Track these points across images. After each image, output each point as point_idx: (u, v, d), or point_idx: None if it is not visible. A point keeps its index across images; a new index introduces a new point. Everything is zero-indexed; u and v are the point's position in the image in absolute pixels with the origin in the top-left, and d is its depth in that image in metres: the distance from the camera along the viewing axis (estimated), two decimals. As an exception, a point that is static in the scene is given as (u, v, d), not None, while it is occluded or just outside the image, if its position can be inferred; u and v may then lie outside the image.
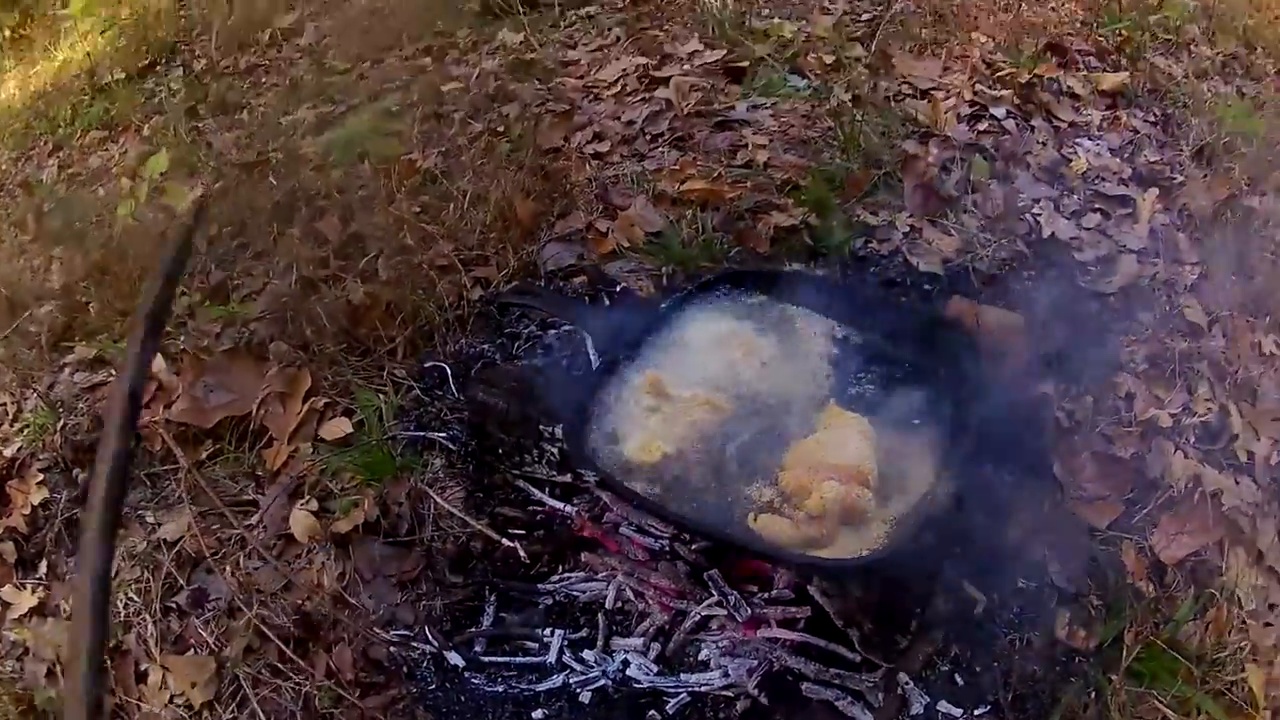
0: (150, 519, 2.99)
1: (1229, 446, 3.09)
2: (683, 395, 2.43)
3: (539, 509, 2.80)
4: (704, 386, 2.48)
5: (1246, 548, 2.90)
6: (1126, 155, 4.12)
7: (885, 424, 2.40)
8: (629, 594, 2.61)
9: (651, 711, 2.43)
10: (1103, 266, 3.56)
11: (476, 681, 2.54)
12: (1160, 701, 2.52)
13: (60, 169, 5.26)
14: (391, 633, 2.66)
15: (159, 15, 6.31)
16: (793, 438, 2.38)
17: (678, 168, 3.88)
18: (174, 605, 2.79)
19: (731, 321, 2.65)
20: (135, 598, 2.82)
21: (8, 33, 8.22)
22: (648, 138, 4.14)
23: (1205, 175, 4.00)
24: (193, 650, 2.70)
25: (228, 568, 2.82)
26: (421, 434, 3.02)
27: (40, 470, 3.16)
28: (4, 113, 6.18)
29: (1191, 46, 4.83)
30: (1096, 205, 3.82)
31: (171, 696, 2.64)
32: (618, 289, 3.38)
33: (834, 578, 2.42)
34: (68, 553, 2.98)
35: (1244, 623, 2.78)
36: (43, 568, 3.00)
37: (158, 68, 5.84)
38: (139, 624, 2.76)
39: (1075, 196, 3.85)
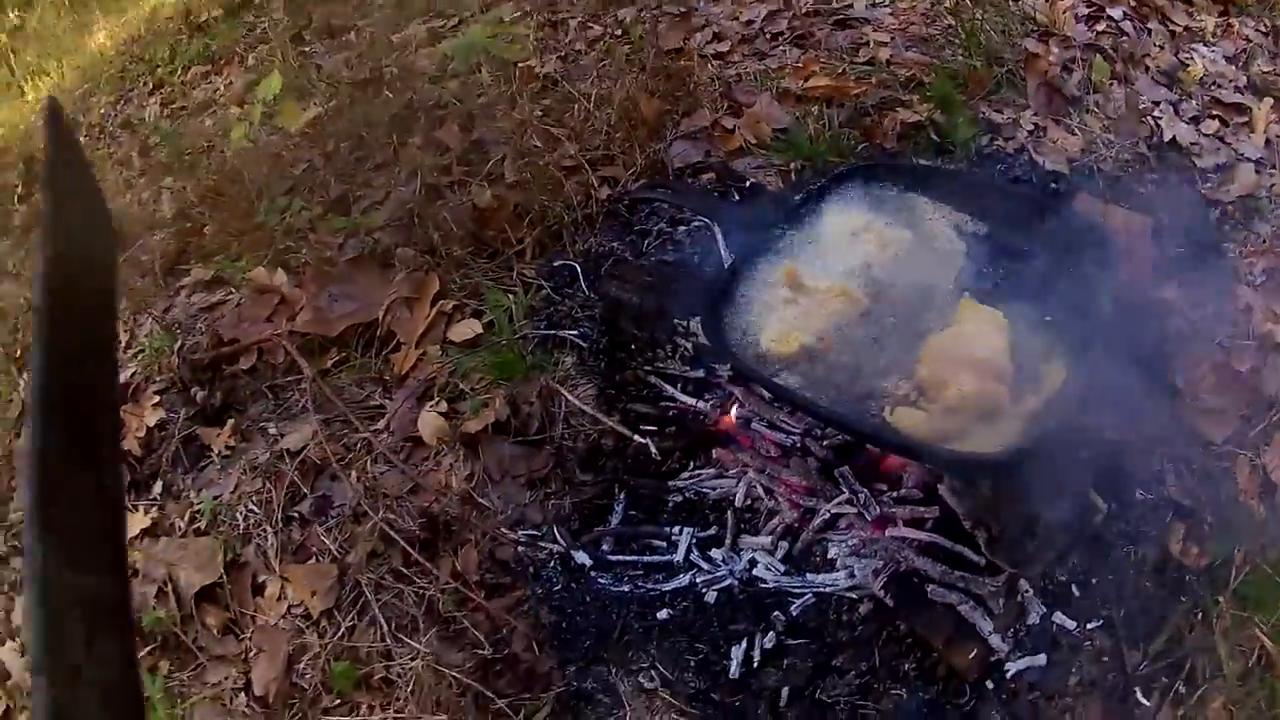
0: (273, 430, 3.11)
1: (1351, 363, 3.07)
2: (819, 287, 2.45)
3: (671, 405, 2.86)
4: (840, 278, 2.50)
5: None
6: (1241, 64, 4.10)
7: (1018, 319, 2.40)
8: (759, 491, 2.67)
9: (776, 612, 2.50)
10: (1221, 174, 3.57)
11: (603, 581, 2.62)
12: (1261, 629, 2.52)
13: (163, 106, 5.36)
14: (519, 533, 2.74)
15: (252, -53, 6.39)
16: (928, 331, 2.39)
17: (800, 65, 3.91)
18: (296, 514, 2.90)
19: (864, 215, 2.66)
20: (256, 509, 2.93)
21: (94, -12, 8.37)
22: (768, 36, 4.17)
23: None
24: (314, 559, 2.81)
25: (353, 473, 2.91)
26: (552, 332, 3.09)
27: (156, 393, 3.28)
28: (98, 60, 6.30)
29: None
30: (1214, 112, 3.81)
31: (289, 607, 2.75)
32: (747, 184, 3.42)
33: (970, 472, 2.45)
34: (184, 470, 3.09)
35: (1357, 552, 2.79)
36: (157, 488, 3.10)
37: (255, 1, 5.93)
38: (258, 535, 2.88)
39: (1193, 101, 3.85)
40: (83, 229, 0.94)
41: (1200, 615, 2.55)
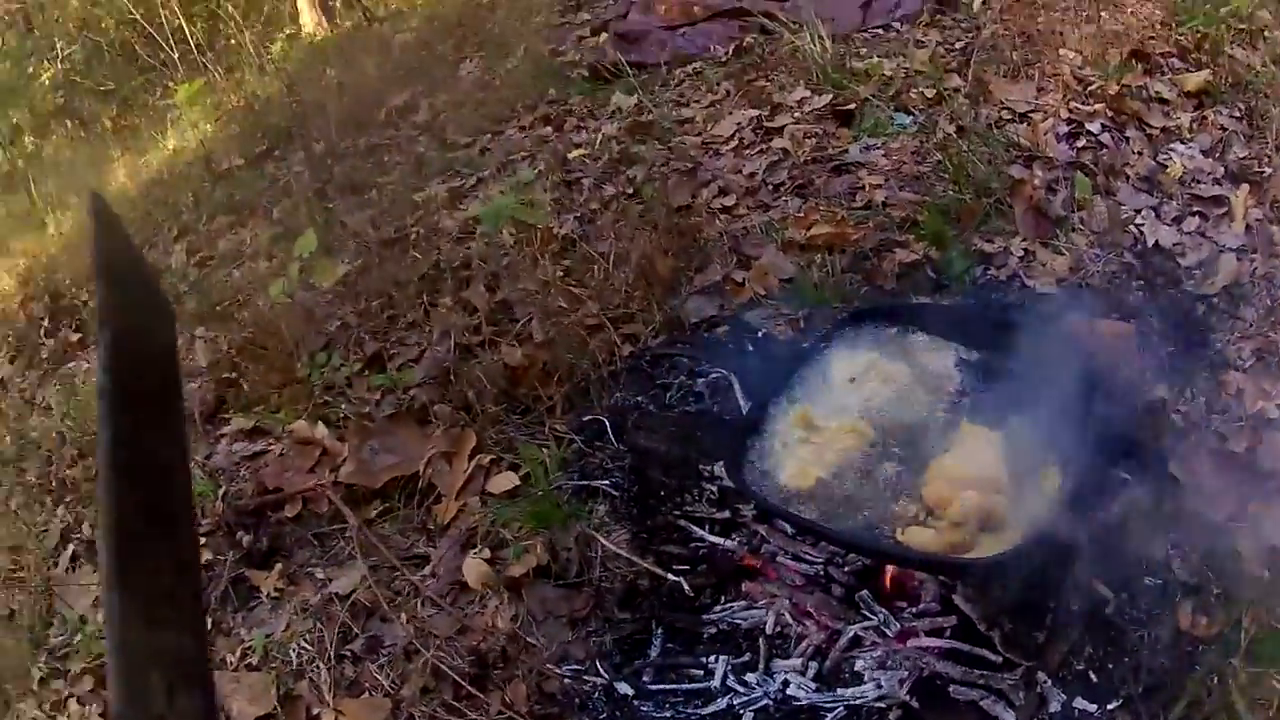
0: (320, 574, 3.31)
1: (1339, 438, 3.32)
2: (829, 426, 2.78)
3: (701, 545, 3.13)
4: (848, 416, 2.83)
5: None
6: (1217, 154, 4.38)
7: (1013, 436, 2.72)
8: (787, 618, 2.93)
9: (810, 726, 2.77)
10: (1205, 268, 3.83)
11: (645, 709, 2.84)
12: (1278, 681, 2.73)
13: (189, 254, 5.63)
14: (564, 668, 2.94)
15: (269, 101, 6.71)
16: (930, 456, 2.72)
17: (802, 215, 4.23)
18: (349, 653, 3.08)
19: (867, 354, 2.99)
20: (309, 647, 3.10)
21: (109, 123, 8.69)
22: (770, 187, 4.50)
23: (1294, 164, 4.25)
24: (367, 693, 2.97)
25: (403, 614, 3.11)
26: (585, 482, 3.35)
27: (202, 535, 3.44)
28: (120, 200, 6.52)
29: (1265, 33, 5.04)
30: (1194, 209, 4.09)
31: None
32: (759, 334, 3.73)
33: (977, 576, 2.74)
34: (233, 609, 3.29)
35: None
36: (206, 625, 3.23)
37: (275, 153, 6.22)
38: (312, 671, 3.05)
39: (1174, 202, 4.13)
40: (140, 310, 1.00)
41: (1216, 679, 2.75)
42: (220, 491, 3.58)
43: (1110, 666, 2.81)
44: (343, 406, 3.81)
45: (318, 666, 3.05)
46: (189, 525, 1.06)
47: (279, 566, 3.34)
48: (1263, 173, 4.28)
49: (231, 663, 3.15)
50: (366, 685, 2.99)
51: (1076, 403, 2.74)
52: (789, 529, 3.00)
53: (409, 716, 2.89)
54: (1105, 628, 2.87)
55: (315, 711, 2.97)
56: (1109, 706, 2.74)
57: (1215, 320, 3.67)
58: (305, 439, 3.68)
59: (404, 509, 3.43)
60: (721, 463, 3.02)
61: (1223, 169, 4.31)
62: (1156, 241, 3.95)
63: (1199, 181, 4.24)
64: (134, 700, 0.88)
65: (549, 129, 5.33)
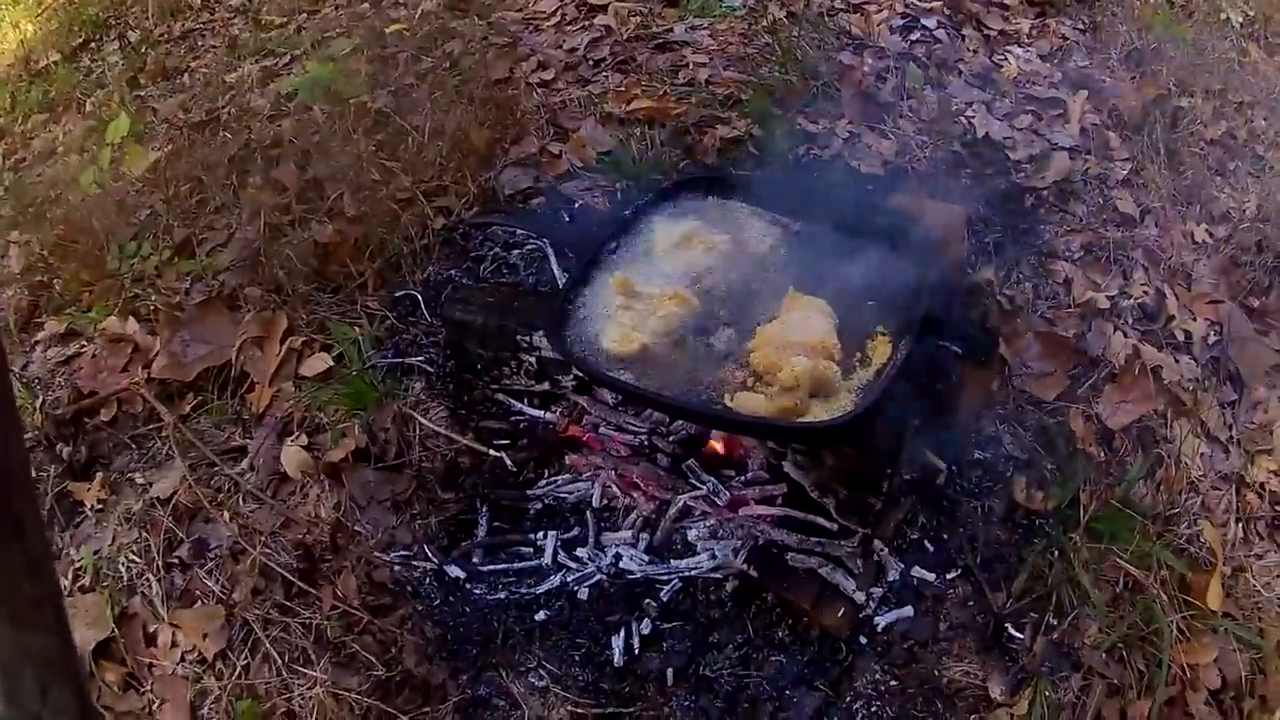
0: (140, 479, 3.03)
1: (1166, 327, 3.29)
2: (652, 293, 2.52)
3: (521, 418, 2.92)
4: (671, 282, 2.58)
5: (1190, 419, 3.09)
6: (1056, 61, 4.28)
7: (842, 305, 2.51)
8: (614, 490, 2.74)
9: (647, 600, 2.59)
10: (1036, 164, 3.73)
11: (479, 591, 2.67)
12: (1121, 558, 2.69)
13: (4, 157, 5.14)
14: (392, 554, 2.76)
15: (90, -7, 6.24)
16: (758, 322, 2.48)
17: (623, 89, 3.99)
18: (176, 560, 2.83)
19: (690, 223, 2.75)
20: (137, 559, 2.85)
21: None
22: (590, 63, 4.24)
23: (1134, 78, 4.15)
24: (200, 602, 2.75)
25: (225, 513, 2.87)
26: (400, 360, 3.11)
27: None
28: None
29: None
30: (1028, 108, 3.98)
31: (183, 653, 2.69)
32: (575, 205, 3.48)
33: (811, 441, 2.55)
34: (60, 528, 2.99)
35: (1194, 485, 2.95)
36: (37, 549, 3.01)
37: (92, 45, 5.77)
38: (143, 585, 2.80)
39: (1007, 100, 4.00)
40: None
41: (1057, 553, 2.71)
42: (38, 402, 3.25)
43: (946, 537, 2.75)
44: (153, 298, 3.46)
45: (148, 579, 2.82)
46: (37, 526, 1.02)
47: (100, 476, 3.05)
48: (1103, 82, 4.20)
49: (66, 587, 2.88)
50: (198, 593, 2.78)
51: (906, 276, 2.56)
52: (610, 398, 2.78)
53: (243, 621, 2.69)
54: (938, 498, 2.79)
55: (152, 628, 2.73)
56: (948, 576, 2.68)
57: (1044, 213, 3.61)
58: (117, 336, 3.35)
59: (218, 400, 3.16)
60: (541, 332, 2.76)
61: (1060, 75, 4.22)
62: (987, 134, 3.83)
63: (1034, 84, 4.14)
64: (11, 700, 0.88)
65: (366, 5, 4.92)
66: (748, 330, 2.48)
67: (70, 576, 2.89)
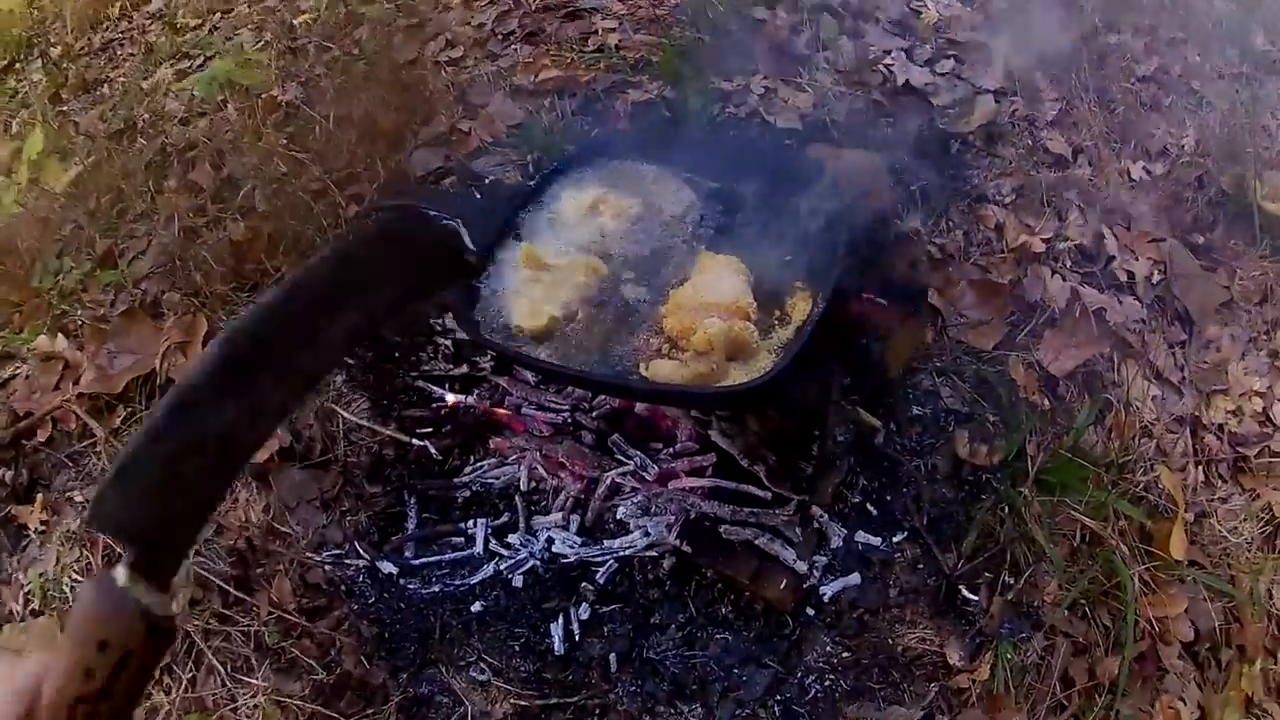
0: (80, 497, 2.96)
1: (1107, 268, 3.15)
2: (560, 263, 2.38)
3: (442, 404, 2.77)
4: (580, 251, 2.43)
5: (1138, 361, 2.96)
6: (977, 4, 4.11)
7: (757, 262, 2.36)
8: (541, 472, 2.61)
9: (583, 584, 2.46)
10: (960, 109, 3.59)
11: (413, 586, 2.55)
12: (1075, 510, 2.57)
13: None
14: (324, 554, 2.64)
15: (12, 14, 6.09)
16: (670, 286, 2.34)
17: (531, 60, 3.86)
18: None
19: (596, 189, 2.59)
20: (80, 578, 2.80)
21: None
22: (499, 37, 4.10)
23: (1059, 16, 4.00)
24: None
25: None
26: (319, 353, 2.95)
27: None
28: None
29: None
30: (950, 53, 3.84)
31: None
32: (486, 181, 3.33)
33: (725, 406, 2.42)
34: (8, 553, 2.92)
35: (1147, 430, 2.82)
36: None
37: (17, 65, 5.65)
38: None
39: (928, 46, 3.86)
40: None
41: (1007, 509, 2.58)
42: (-31, 428, 3.15)
43: (889, 498, 2.61)
44: (79, 313, 3.36)
45: None
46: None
47: (40, 497, 2.99)
48: (1028, 23, 4.00)
49: (18, 612, 2.83)
50: None
51: (824, 229, 2.40)
52: (531, 377, 2.63)
53: (185, 633, 2.60)
54: (878, 458, 2.65)
55: None
56: (894, 539, 2.55)
57: (972, 158, 3.48)
58: (47, 354, 3.27)
59: (146, 410, 3.06)
60: (451, 312, 2.60)
61: (983, 18, 4.05)
62: (907, 81, 3.70)
63: (956, 28, 3.98)
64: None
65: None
66: (660, 295, 2.33)
67: (21, 601, 2.83)
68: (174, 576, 0.75)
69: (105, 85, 4.65)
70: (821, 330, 2.16)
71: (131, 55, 4.80)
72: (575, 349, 2.26)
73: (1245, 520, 2.84)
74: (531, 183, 2.71)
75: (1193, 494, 2.83)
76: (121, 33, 5.12)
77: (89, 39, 5.19)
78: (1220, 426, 3.00)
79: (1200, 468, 2.90)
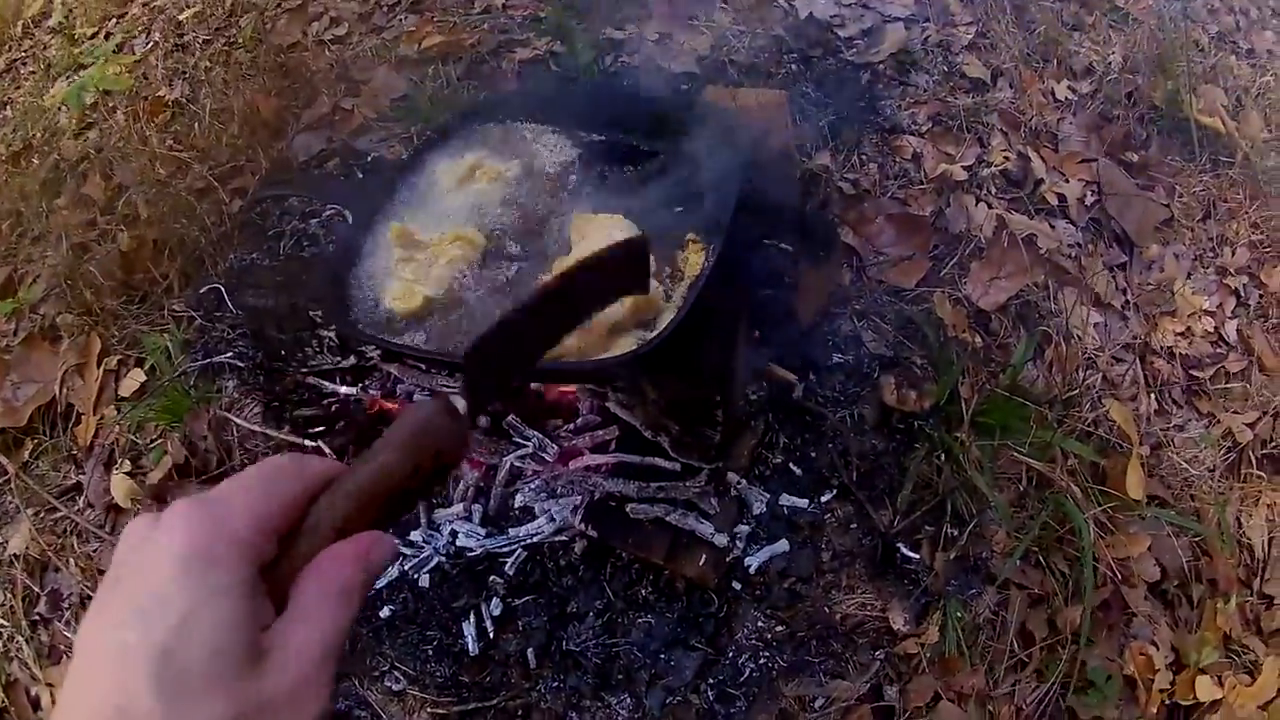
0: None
1: (1036, 192, 3.02)
2: (432, 238, 2.20)
3: (334, 399, 2.60)
4: (454, 224, 2.25)
5: (1077, 287, 2.81)
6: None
7: (644, 218, 2.18)
8: (437, 461, 2.44)
9: (492, 577, 2.30)
10: (868, 38, 3.44)
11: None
12: (1019, 452, 2.41)
13: None
14: (223, 564, 2.48)
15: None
16: (551, 253, 2.17)
17: (415, 29, 3.71)
18: (38, 616, 2.64)
19: (473, 155, 2.42)
20: (5, 622, 2.67)
21: None
22: (384, 10, 3.96)
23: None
24: (65, 657, 2.54)
25: (70, 559, 2.68)
26: (209, 360, 2.83)
27: None
28: None
29: None
30: (856, -19, 3.66)
31: None
32: (368, 159, 3.18)
33: (619, 377, 2.25)
34: None
35: (1091, 360, 2.67)
36: None
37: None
38: (15, 648, 2.61)
39: (831, -25, 3.68)
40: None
41: (943, 457, 2.41)
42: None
43: (813, 456, 2.42)
44: None
45: (18, 641, 2.63)
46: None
47: None
48: None
49: None
50: (63, 648, 2.58)
51: (719, 175, 2.23)
52: (421, 364, 2.45)
53: None
54: (797, 414, 2.46)
55: (34, 691, 2.55)
56: (823, 499, 2.37)
57: (883, 88, 3.31)
58: None
59: (51, 439, 2.92)
60: (321, 304, 2.44)
61: None
62: (810, 14, 3.53)
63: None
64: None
65: (165, -2, 4.66)
66: (542, 263, 2.15)
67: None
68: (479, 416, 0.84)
69: (7, 107, 4.49)
70: (717, 285, 1.99)
71: (33, 73, 4.65)
72: (454, 327, 2.09)
73: (1205, 448, 2.70)
74: (404, 156, 2.54)
75: (1146, 425, 2.69)
76: (25, 51, 4.98)
77: (-7, 63, 5.06)
78: (1170, 350, 2.87)
79: (1152, 395, 2.77)
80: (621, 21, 3.53)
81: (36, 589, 2.67)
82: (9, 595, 2.69)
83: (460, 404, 0.86)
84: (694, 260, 2.11)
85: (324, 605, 0.73)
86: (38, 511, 2.79)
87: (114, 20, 4.64)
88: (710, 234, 2.13)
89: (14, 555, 2.75)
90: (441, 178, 2.37)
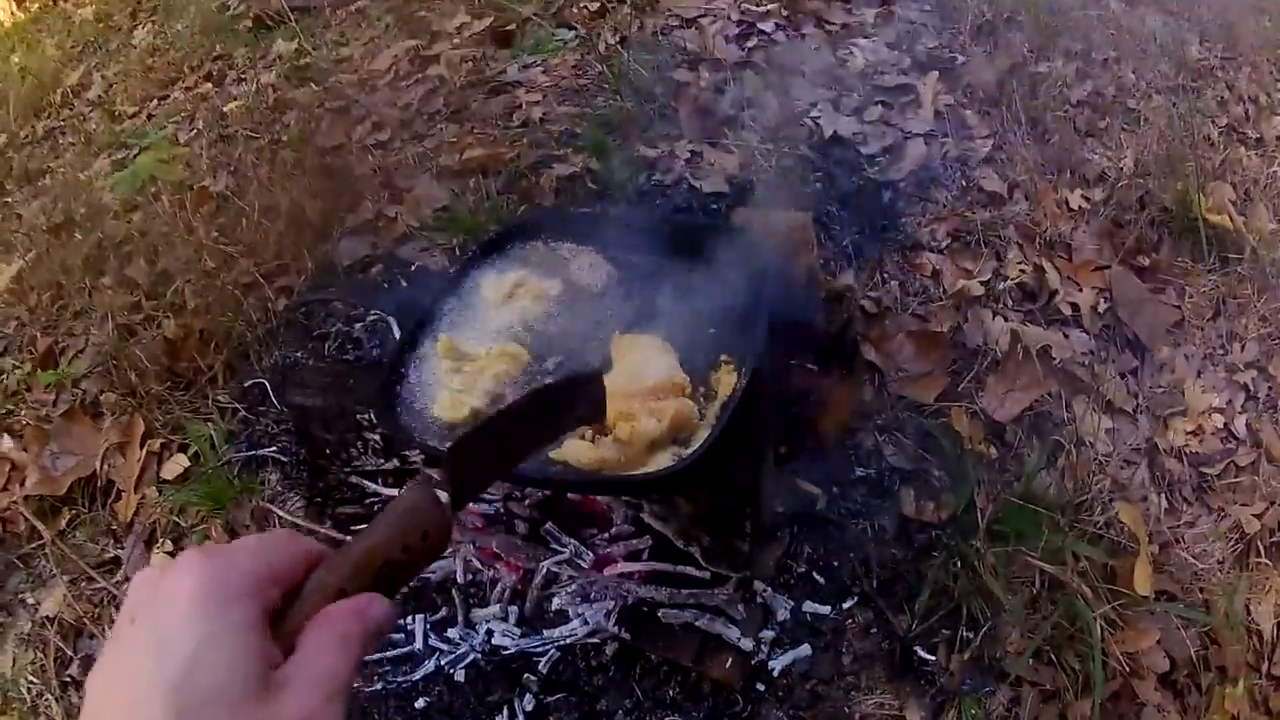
0: (30, 600, 2.91)
1: (1050, 303, 3.10)
2: (479, 352, 2.30)
3: (376, 499, 2.70)
4: (499, 339, 2.36)
5: (1089, 395, 2.89)
6: (904, 46, 4.07)
7: (681, 337, 2.28)
8: (476, 564, 2.53)
9: (526, 674, 2.38)
10: (890, 155, 3.53)
11: (355, 685, 2.44)
12: (1032, 557, 2.48)
13: None
14: (267, 658, 2.56)
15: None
16: (593, 368, 2.26)
17: (455, 140, 3.80)
18: (70, 678, 2.71)
19: (516, 273, 2.52)
20: (35, 680, 2.73)
21: None
22: (425, 117, 4.06)
23: (987, 51, 3.97)
24: None
25: (105, 627, 2.74)
26: (253, 452, 2.93)
27: None
28: None
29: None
30: (877, 99, 3.78)
31: None
32: (412, 268, 3.28)
33: (652, 491, 2.35)
34: None
35: (1102, 465, 2.75)
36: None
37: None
38: (44, 706, 2.68)
39: (854, 95, 3.80)
40: None
41: (959, 563, 2.51)
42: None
43: (835, 565, 2.52)
44: (22, 413, 3.31)
45: (48, 700, 2.70)
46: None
47: None
48: (955, 60, 4.03)
49: None
50: None
51: (750, 297, 2.33)
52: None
53: None
54: (820, 526, 2.56)
55: None
56: (844, 605, 2.46)
57: (904, 205, 3.40)
58: None
59: (89, 511, 3.03)
60: (372, 408, 2.55)
61: (909, 59, 4.02)
62: (835, 132, 3.63)
63: (882, 73, 3.94)
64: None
65: (209, 86, 4.79)
66: (584, 381, 2.25)
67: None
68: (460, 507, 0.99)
69: (47, 175, 4.60)
70: (747, 404, 2.09)
71: (73, 144, 4.77)
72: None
73: (1214, 541, 2.79)
74: (452, 270, 2.64)
75: (1156, 523, 2.77)
76: (63, 120, 5.10)
77: (32, 126, 5.17)
78: (1180, 450, 2.95)
79: (1162, 495, 2.85)
80: (654, 140, 3.63)
81: (70, 652, 2.75)
82: (40, 655, 2.77)
83: (443, 495, 0.95)
84: (726, 380, 2.20)
85: (328, 650, 0.79)
86: (74, 579, 2.87)
87: (155, 101, 4.76)
88: (742, 355, 2.24)
89: (46, 618, 2.83)
90: (486, 293, 2.47)
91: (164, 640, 0.73)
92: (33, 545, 3.01)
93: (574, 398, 1.28)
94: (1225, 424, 3.02)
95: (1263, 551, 2.78)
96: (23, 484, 3.10)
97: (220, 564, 0.78)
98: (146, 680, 0.71)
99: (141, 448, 3.03)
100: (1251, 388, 3.13)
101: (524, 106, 3.93)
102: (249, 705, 0.72)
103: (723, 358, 2.25)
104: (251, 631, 0.75)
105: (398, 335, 2.92)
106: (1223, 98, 4.06)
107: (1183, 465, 2.91)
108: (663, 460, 2.06)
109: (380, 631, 0.84)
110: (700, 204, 3.34)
